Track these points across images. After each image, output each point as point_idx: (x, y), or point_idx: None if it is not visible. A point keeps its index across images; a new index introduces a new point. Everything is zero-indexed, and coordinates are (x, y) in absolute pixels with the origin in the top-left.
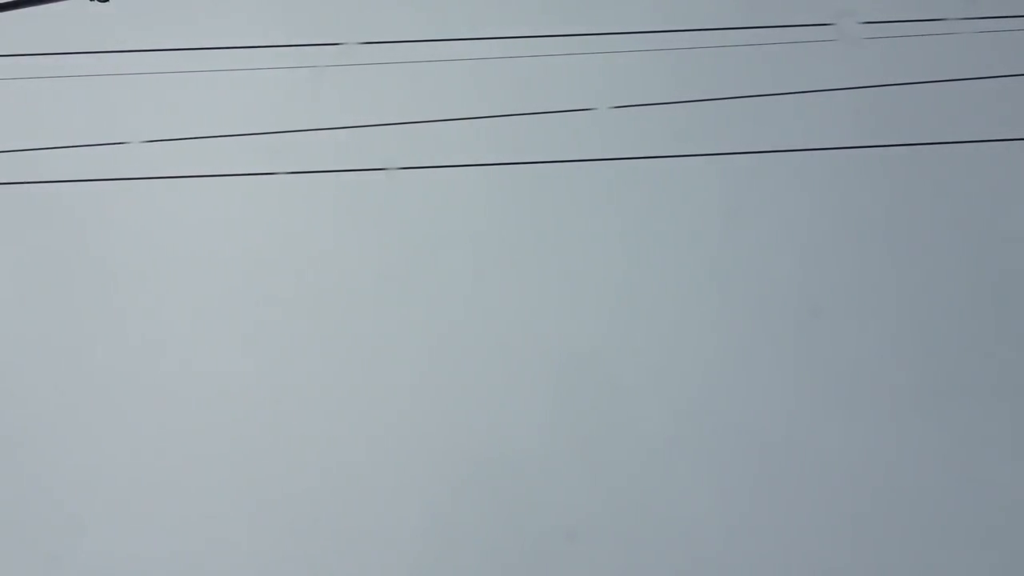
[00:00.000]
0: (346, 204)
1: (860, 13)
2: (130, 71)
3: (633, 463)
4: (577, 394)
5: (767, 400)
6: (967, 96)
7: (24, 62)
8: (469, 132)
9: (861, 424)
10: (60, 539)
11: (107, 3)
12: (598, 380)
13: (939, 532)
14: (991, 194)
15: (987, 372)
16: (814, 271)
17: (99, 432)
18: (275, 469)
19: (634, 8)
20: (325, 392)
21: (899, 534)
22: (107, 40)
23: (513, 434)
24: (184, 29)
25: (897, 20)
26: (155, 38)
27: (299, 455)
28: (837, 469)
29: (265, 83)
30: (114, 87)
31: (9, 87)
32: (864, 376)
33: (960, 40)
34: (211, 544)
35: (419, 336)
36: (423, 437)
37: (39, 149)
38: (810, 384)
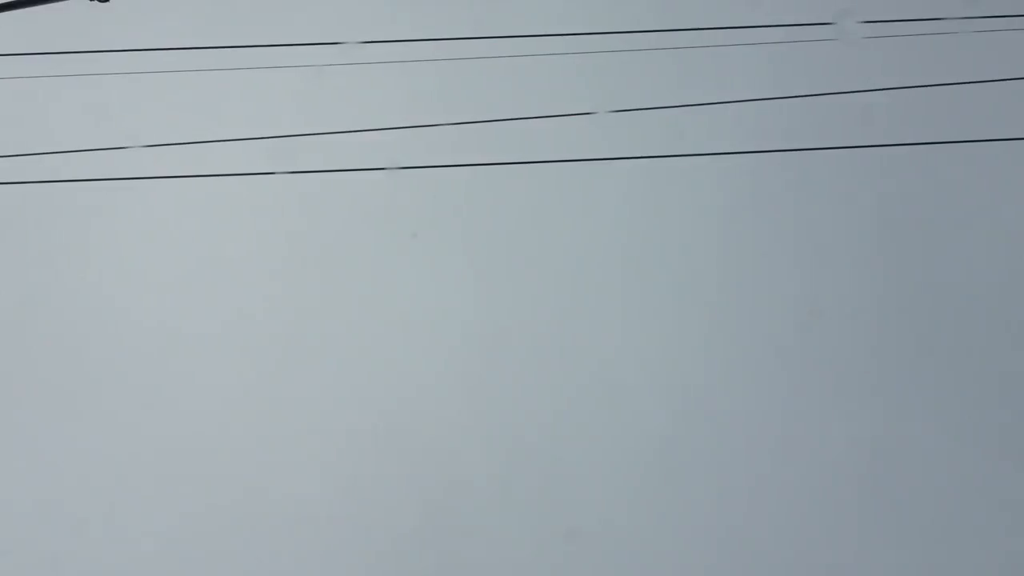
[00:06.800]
0: (346, 204)
1: (860, 13)
2: (130, 71)
3: (631, 463)
4: (576, 393)
5: (765, 400)
6: (967, 96)
7: (24, 62)
8: (469, 132)
9: (860, 425)
10: (60, 539)
11: (107, 3)
12: (597, 380)
13: (939, 532)
14: (991, 194)
15: (987, 373)
16: (814, 271)
17: (99, 432)
18: (276, 469)
19: (634, 8)
20: (324, 392)
21: (899, 534)
22: (107, 40)
23: (511, 433)
24: (184, 29)
25: (897, 20)
26: (155, 38)
27: (299, 455)
28: (837, 469)
29: (265, 83)
30: (114, 87)
31: (9, 87)
32: (863, 377)
33: (960, 40)
34: (211, 544)
35: (419, 336)
36: (422, 435)
37: (40, 154)
38: (809, 385)
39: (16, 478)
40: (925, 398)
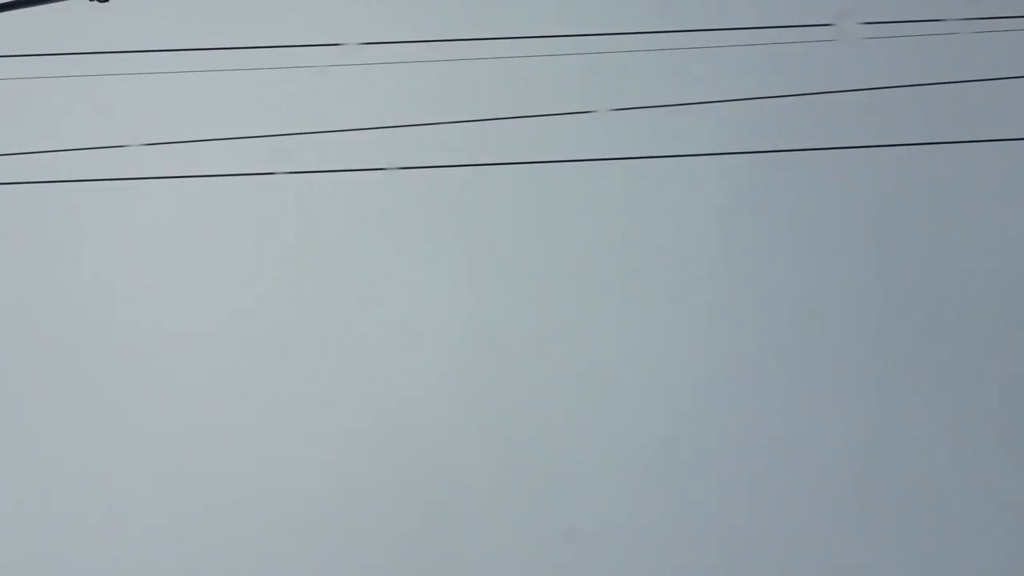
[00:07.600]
0: (346, 204)
1: (860, 13)
2: (130, 71)
3: (631, 463)
4: (576, 393)
5: (765, 400)
6: (967, 96)
7: (24, 62)
8: (469, 132)
9: (860, 424)
10: (59, 539)
11: (107, 3)
12: (597, 380)
13: (938, 532)
14: (991, 194)
15: (986, 373)
16: (813, 271)
17: (98, 431)
18: (275, 468)
19: (634, 8)
20: (324, 391)
21: (898, 534)
22: (107, 40)
23: (511, 433)
24: (184, 29)
25: (897, 20)
26: (155, 38)
27: (298, 455)
28: (836, 469)
29: (265, 83)
30: (114, 87)
31: (9, 87)
32: (862, 377)
33: (960, 40)
34: (210, 544)
35: (418, 336)
36: (422, 435)
37: (40, 152)
38: (808, 385)
39: (15, 478)
40: (924, 398)
